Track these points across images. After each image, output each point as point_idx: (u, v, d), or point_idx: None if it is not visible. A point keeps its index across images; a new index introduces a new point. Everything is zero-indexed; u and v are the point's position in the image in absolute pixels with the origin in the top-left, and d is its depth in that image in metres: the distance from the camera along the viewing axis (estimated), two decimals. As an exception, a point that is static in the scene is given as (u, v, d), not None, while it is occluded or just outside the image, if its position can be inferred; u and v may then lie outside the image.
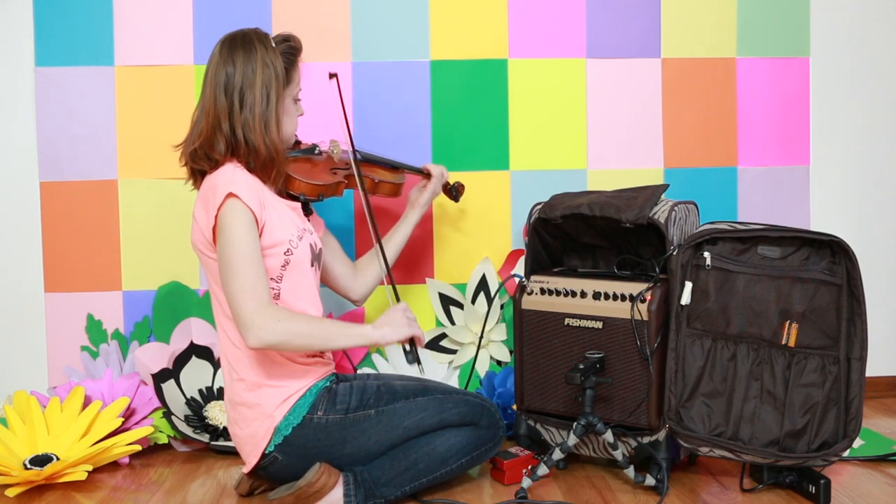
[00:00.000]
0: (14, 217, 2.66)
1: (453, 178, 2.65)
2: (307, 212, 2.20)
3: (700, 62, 2.79)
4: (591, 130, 2.78)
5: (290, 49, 2.10)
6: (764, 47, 2.81)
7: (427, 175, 2.50)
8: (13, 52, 2.64)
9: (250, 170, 2.04)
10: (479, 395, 2.16)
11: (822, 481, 2.01)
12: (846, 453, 2.25)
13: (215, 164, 2.04)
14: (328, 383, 2.07)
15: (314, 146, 2.32)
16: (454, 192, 2.59)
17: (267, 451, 2.00)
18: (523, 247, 2.60)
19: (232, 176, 1.98)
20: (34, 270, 2.66)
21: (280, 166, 2.07)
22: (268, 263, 2.00)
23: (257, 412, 2.00)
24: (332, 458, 2.01)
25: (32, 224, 2.65)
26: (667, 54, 2.78)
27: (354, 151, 2.32)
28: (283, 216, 2.06)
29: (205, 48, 2.66)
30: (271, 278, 2.01)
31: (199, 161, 2.05)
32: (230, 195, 1.94)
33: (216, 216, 1.95)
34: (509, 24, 2.73)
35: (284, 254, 2.02)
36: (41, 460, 2.27)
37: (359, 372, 2.66)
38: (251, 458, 2.03)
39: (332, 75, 2.27)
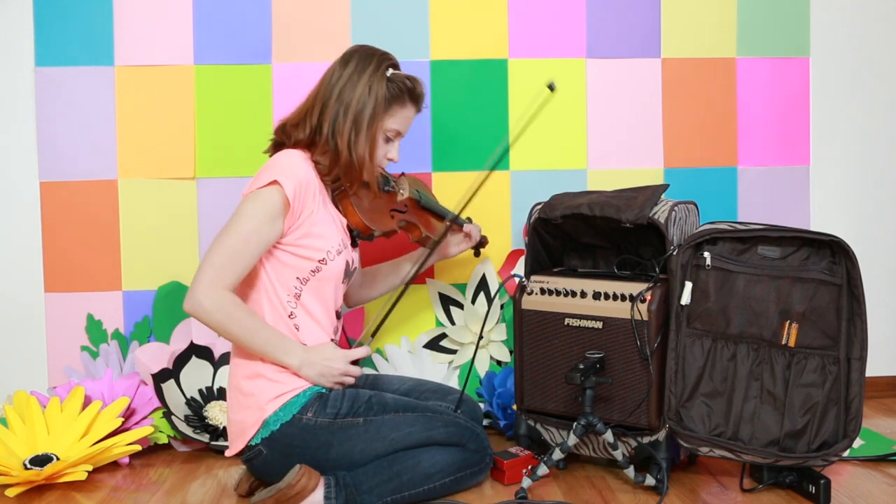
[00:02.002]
0: (14, 217, 2.66)
1: (454, 178, 2.66)
2: (353, 243, 2.21)
3: (700, 62, 2.79)
4: (592, 130, 2.77)
5: (401, 87, 2.12)
6: (764, 47, 2.81)
7: (465, 234, 2.47)
8: (13, 52, 2.64)
9: (320, 172, 2.10)
10: (469, 420, 2.16)
11: (822, 481, 2.01)
12: (846, 453, 2.24)
13: (292, 145, 2.11)
14: (323, 389, 2.07)
15: (387, 178, 2.30)
16: (478, 247, 2.55)
17: (253, 443, 2.02)
18: (523, 247, 2.60)
19: (295, 162, 2.04)
20: (34, 270, 2.66)
21: (354, 181, 2.10)
22: (296, 261, 2.04)
23: (250, 401, 2.02)
24: (316, 462, 2.01)
25: (32, 224, 2.65)
26: (667, 54, 2.78)
27: (419, 199, 2.35)
28: (330, 226, 2.09)
29: (205, 48, 2.67)
30: (297, 277, 2.05)
31: (280, 134, 2.13)
32: (275, 182, 1.98)
33: (254, 189, 2.01)
34: (509, 24, 2.73)
35: (319, 261, 2.06)
36: (41, 460, 2.27)
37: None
38: (236, 444, 2.06)
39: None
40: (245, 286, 2.08)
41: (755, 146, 2.82)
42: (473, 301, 2.70)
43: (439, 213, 2.43)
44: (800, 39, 2.82)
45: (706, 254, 2.11)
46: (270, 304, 2.05)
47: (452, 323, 2.71)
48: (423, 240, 2.35)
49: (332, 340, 2.14)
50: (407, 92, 2.14)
